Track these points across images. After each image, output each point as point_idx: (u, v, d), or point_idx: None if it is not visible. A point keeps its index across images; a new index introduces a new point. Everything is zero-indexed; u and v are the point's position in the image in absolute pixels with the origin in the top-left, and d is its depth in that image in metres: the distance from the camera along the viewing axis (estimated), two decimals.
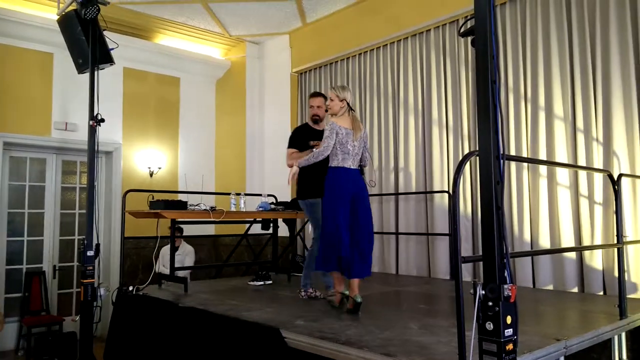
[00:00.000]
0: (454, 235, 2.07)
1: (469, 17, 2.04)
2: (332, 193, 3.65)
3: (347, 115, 3.75)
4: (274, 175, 7.53)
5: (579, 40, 4.54)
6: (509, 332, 1.82)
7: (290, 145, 4.38)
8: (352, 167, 3.71)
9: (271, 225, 5.82)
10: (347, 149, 3.67)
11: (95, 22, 4.41)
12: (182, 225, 6.15)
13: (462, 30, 2.00)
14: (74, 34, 4.48)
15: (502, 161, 1.88)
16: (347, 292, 3.66)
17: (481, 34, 1.83)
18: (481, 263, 1.92)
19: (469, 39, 2.05)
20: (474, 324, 1.89)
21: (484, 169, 1.88)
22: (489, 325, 1.82)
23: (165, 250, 6.17)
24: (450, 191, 5.29)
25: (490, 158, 1.87)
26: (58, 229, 6.53)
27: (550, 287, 4.59)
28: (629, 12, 4.23)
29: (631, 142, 4.20)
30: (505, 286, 1.83)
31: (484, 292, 1.84)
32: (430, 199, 5.63)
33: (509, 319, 1.82)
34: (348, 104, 3.76)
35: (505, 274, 1.87)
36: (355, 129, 3.71)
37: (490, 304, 1.83)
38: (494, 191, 1.86)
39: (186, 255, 6.40)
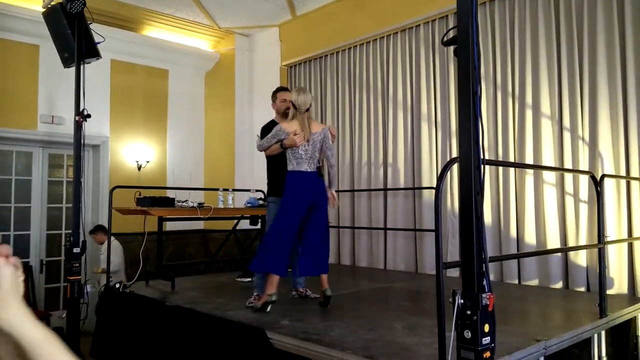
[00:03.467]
0: (437, 243, 2.09)
1: (451, 27, 2.04)
2: (288, 197, 3.63)
3: (296, 119, 3.68)
4: (263, 169, 7.48)
5: (566, 39, 4.56)
6: (486, 340, 1.85)
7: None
8: (308, 170, 3.66)
9: (259, 220, 5.81)
10: (298, 154, 3.63)
11: (81, 15, 4.34)
12: (169, 221, 6.11)
13: (444, 39, 2.01)
14: (60, 27, 4.41)
15: (482, 171, 1.89)
16: (274, 299, 3.52)
17: (463, 45, 1.83)
18: None
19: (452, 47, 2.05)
20: (453, 332, 1.92)
21: (464, 179, 1.90)
22: (467, 334, 1.85)
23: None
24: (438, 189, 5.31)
25: (471, 168, 1.88)
26: (45, 223, 6.50)
27: (536, 282, 4.65)
28: (615, 13, 4.26)
29: (616, 141, 4.24)
30: (484, 295, 1.86)
31: (462, 300, 1.87)
32: (419, 194, 5.66)
33: (486, 328, 1.85)
34: (293, 105, 3.69)
35: (484, 282, 1.90)
36: (305, 131, 3.62)
37: (469, 312, 1.86)
38: (474, 201, 1.87)
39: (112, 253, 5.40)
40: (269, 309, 3.50)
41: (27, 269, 6.20)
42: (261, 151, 3.90)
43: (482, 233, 1.88)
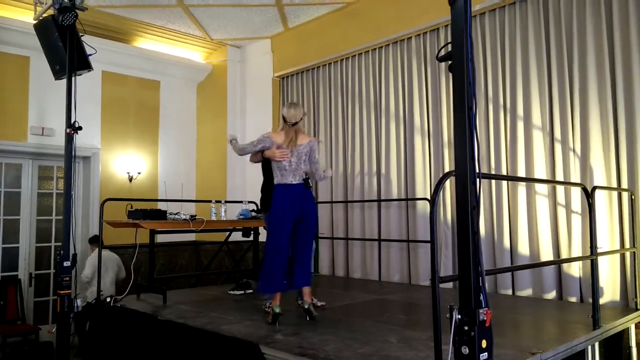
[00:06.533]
0: (432, 257, 2.09)
1: (445, 44, 2.06)
2: (275, 211, 3.72)
3: (282, 131, 3.81)
4: (255, 181, 7.46)
5: (556, 51, 4.61)
6: (484, 356, 1.84)
7: None
8: (293, 182, 3.73)
9: (252, 232, 5.79)
10: (282, 165, 3.72)
11: (73, 28, 4.32)
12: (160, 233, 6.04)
13: (439, 55, 2.02)
14: (51, 39, 4.38)
15: (478, 186, 1.90)
16: (277, 310, 3.60)
17: (458, 62, 1.85)
18: None
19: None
20: (450, 348, 1.91)
21: (460, 194, 1.90)
22: (465, 350, 1.84)
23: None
24: (433, 203, 5.32)
25: (467, 183, 1.89)
26: (34, 236, 6.41)
27: (529, 292, 4.66)
28: (604, 26, 4.31)
29: (607, 152, 4.28)
30: (481, 310, 1.85)
31: (460, 316, 1.86)
32: (412, 205, 5.66)
33: (484, 343, 1.84)
34: (284, 118, 3.83)
35: (481, 297, 1.89)
36: (290, 144, 3.73)
37: (466, 328, 1.85)
38: (470, 216, 1.88)
39: (89, 266, 5.69)
40: (277, 322, 3.57)
41: (15, 282, 6.11)
42: (241, 155, 3.94)
43: (478, 248, 1.88)
